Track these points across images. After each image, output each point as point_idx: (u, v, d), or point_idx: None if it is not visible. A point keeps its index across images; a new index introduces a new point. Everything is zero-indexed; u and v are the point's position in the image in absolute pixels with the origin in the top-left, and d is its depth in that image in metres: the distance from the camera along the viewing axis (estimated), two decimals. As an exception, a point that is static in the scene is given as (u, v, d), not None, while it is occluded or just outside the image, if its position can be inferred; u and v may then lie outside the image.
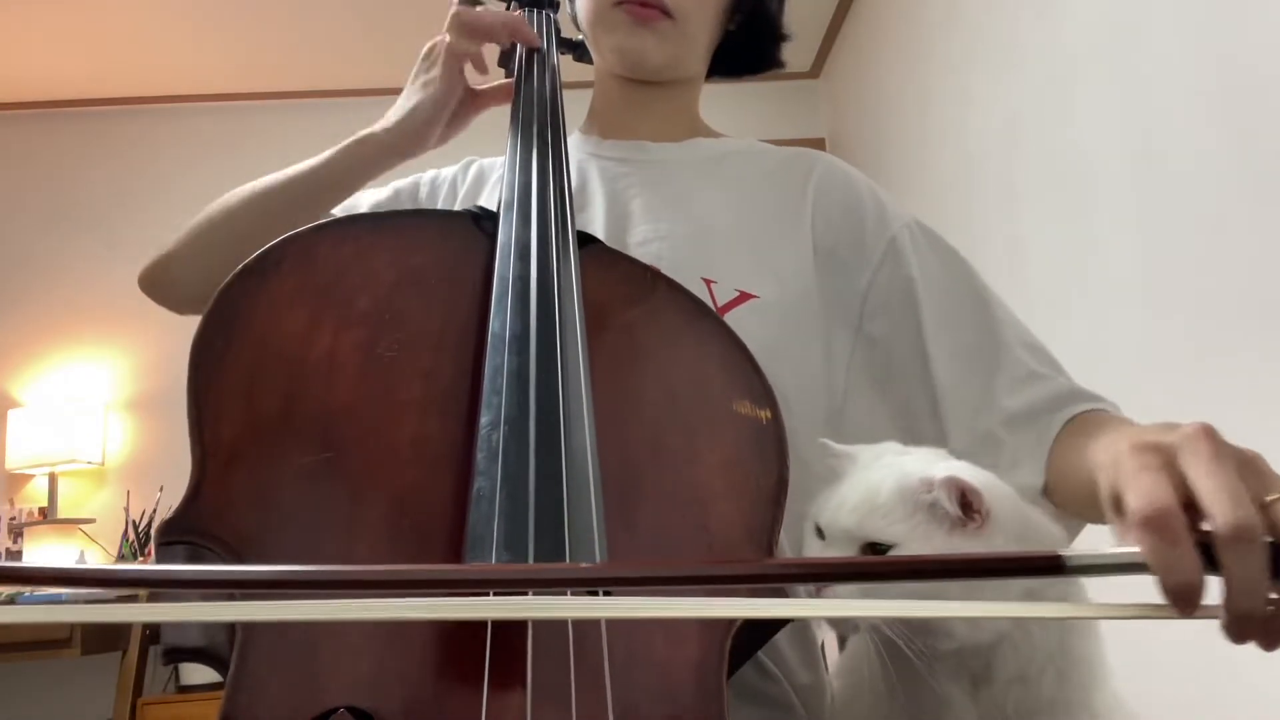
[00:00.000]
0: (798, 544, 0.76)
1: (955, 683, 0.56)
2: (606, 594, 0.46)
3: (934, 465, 0.57)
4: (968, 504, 0.54)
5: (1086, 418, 0.73)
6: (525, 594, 0.42)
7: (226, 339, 0.56)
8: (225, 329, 0.56)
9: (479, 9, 0.86)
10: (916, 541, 0.54)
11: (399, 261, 0.64)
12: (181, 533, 0.50)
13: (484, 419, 0.55)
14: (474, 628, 0.47)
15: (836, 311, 0.83)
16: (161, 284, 0.88)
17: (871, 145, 3.36)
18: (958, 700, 0.57)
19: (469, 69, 0.87)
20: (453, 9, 0.84)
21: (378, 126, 0.84)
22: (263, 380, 0.55)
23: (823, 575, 0.40)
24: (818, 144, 3.75)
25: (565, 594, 0.45)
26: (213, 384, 0.54)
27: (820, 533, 0.59)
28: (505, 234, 0.68)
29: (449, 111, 0.85)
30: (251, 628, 0.47)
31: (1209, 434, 0.42)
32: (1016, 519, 0.57)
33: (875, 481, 0.57)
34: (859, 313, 0.83)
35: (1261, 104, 1.36)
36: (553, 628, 0.48)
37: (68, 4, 3.13)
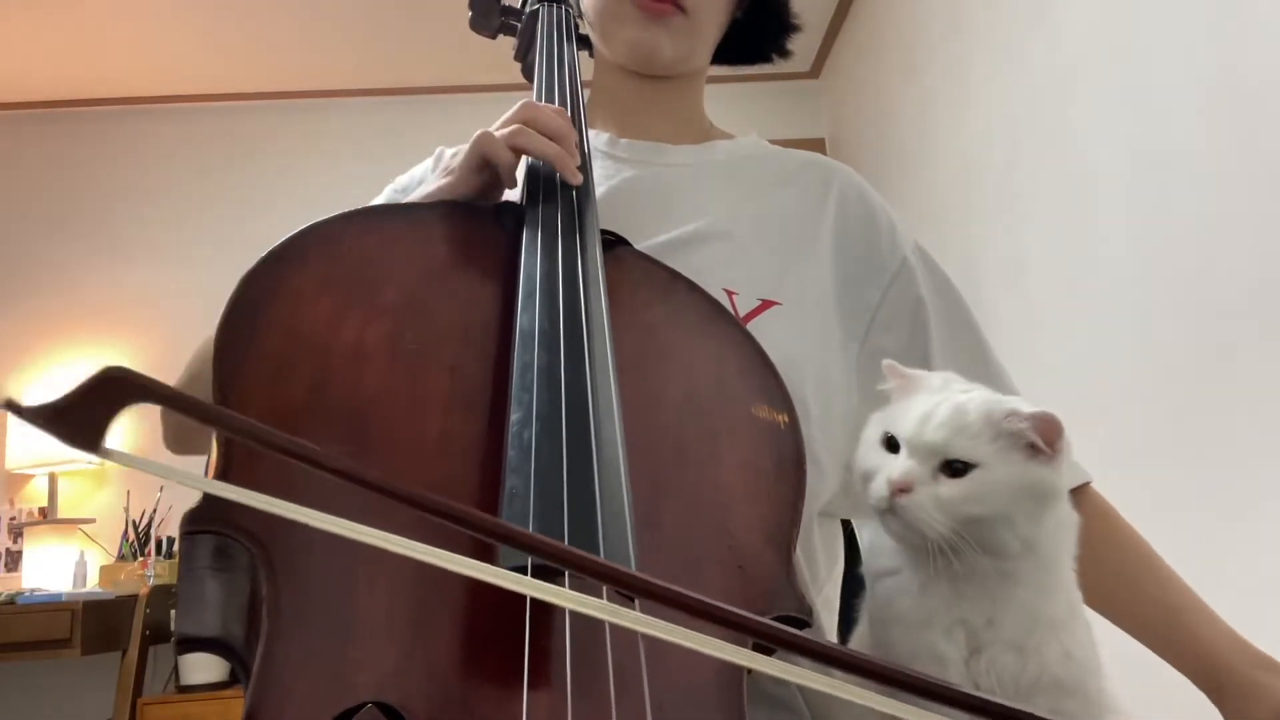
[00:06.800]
0: (807, 548, 0.76)
1: (951, 639, 0.57)
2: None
3: (1007, 400, 0.59)
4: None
5: (1094, 499, 0.81)
6: (562, 583, 0.41)
7: (252, 327, 0.55)
8: (250, 317, 0.55)
9: (551, 108, 0.73)
10: (999, 464, 0.55)
11: (424, 254, 0.63)
12: (207, 522, 0.49)
13: (514, 416, 0.54)
14: (507, 623, 0.46)
15: (848, 321, 0.83)
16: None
17: (871, 145, 3.36)
18: (953, 662, 0.57)
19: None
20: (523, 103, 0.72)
21: None
22: (288, 369, 0.54)
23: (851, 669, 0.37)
24: (818, 144, 3.75)
25: (601, 592, 0.45)
26: (238, 372, 0.54)
27: (891, 444, 0.58)
28: (531, 230, 0.67)
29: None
30: (278, 620, 0.47)
31: None
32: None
33: (962, 402, 0.57)
34: (867, 325, 0.83)
35: (1261, 107, 1.37)
36: (588, 625, 0.46)
37: (68, 4, 3.13)
